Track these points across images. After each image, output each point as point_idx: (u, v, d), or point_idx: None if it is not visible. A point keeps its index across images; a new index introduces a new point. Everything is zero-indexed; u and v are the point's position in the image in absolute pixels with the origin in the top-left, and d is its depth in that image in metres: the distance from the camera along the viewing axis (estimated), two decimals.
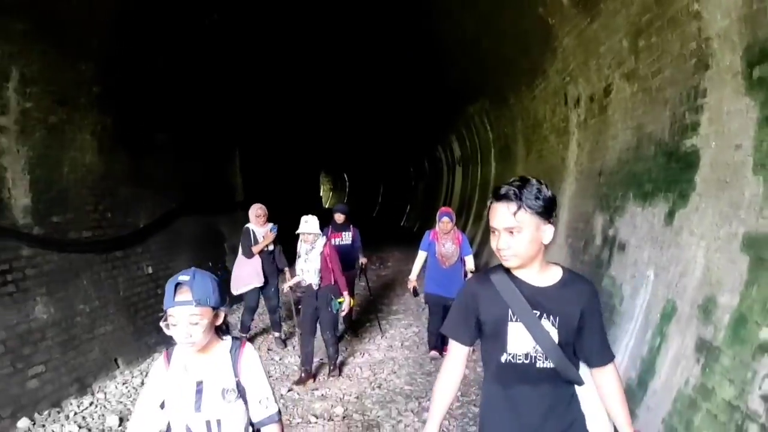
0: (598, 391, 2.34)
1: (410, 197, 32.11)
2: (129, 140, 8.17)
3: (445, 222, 7.23)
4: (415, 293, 7.71)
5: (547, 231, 2.17)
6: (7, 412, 5.27)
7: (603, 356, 2.32)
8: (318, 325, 6.83)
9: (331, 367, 6.97)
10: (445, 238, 7.26)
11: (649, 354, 4.12)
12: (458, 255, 7.26)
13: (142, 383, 6.54)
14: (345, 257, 7.68)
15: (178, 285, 2.22)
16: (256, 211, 8.10)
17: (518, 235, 2.12)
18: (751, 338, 3.02)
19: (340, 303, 6.75)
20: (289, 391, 6.44)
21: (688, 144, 4.18)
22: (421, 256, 7.55)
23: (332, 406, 5.99)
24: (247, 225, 8.13)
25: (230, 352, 2.38)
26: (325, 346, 6.99)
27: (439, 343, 7.51)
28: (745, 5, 3.42)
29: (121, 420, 5.55)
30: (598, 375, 2.34)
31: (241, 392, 2.35)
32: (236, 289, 8.02)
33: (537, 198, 2.11)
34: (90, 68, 7.19)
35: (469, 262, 7.44)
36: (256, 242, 7.95)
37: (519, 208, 2.08)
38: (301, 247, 6.79)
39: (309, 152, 24.87)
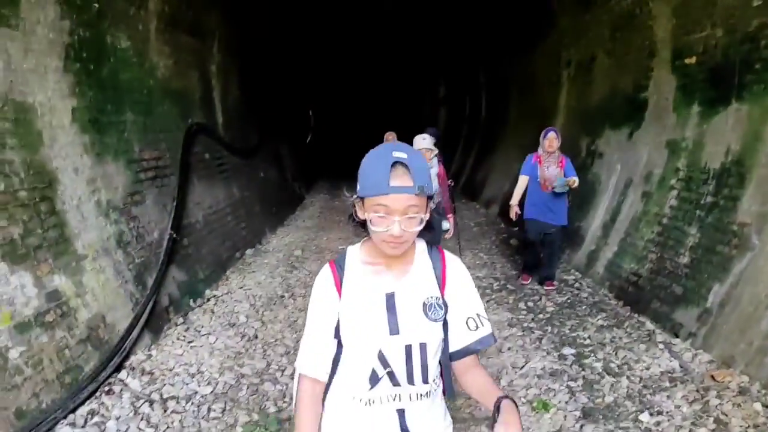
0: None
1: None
2: (249, 85, 11.53)
3: (551, 138, 6.90)
4: (518, 219, 7.29)
5: None
6: (238, 246, 8.84)
7: None
8: None
9: None
10: (549, 161, 6.88)
11: (616, 205, 7.94)
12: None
13: (287, 244, 10.09)
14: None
15: (395, 164, 1.61)
16: (386, 135, 9.74)
17: None
18: (666, 185, 6.83)
19: (445, 225, 6.61)
20: None
21: (641, 96, 7.89)
22: (523, 180, 7.12)
23: None
24: None
25: (429, 254, 1.86)
26: None
27: (532, 271, 7.60)
28: (673, 28, 7.08)
29: (301, 251, 9.21)
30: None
31: (444, 310, 1.78)
32: None
33: None
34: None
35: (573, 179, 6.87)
36: None
37: None
38: None
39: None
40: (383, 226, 1.64)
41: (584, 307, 6.48)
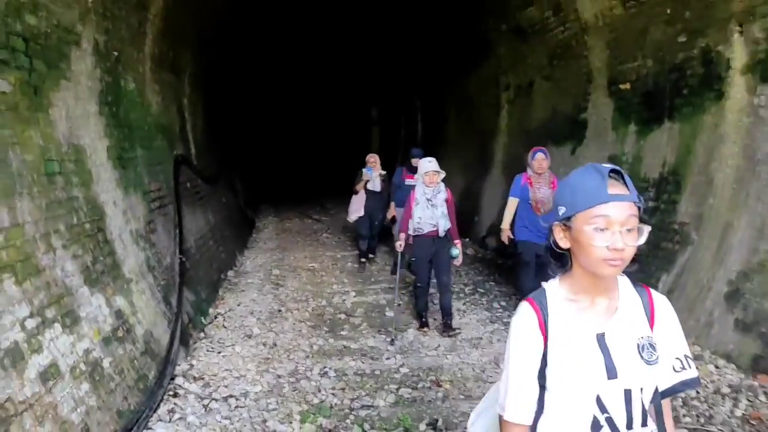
0: None
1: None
2: (210, 113, 12.08)
3: (539, 159, 6.67)
4: (511, 243, 7.01)
5: None
6: (222, 268, 9.37)
7: None
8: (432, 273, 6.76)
9: (449, 321, 6.61)
10: (539, 182, 6.68)
11: None
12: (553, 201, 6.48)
13: (260, 264, 10.63)
14: None
15: (611, 173, 1.59)
16: (367, 157, 10.10)
17: None
18: None
19: (455, 251, 6.54)
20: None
21: (581, 116, 9.00)
22: (512, 203, 6.87)
23: None
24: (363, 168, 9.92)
25: (635, 290, 1.76)
26: (441, 294, 6.68)
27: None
28: (608, 58, 8.21)
29: (278, 270, 9.81)
30: None
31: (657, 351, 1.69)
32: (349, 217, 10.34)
33: None
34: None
35: None
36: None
37: None
38: (421, 191, 6.44)
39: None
40: (603, 241, 1.56)
41: None
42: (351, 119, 28.72)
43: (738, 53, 5.87)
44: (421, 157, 8.68)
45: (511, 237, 6.94)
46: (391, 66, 19.64)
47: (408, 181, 8.99)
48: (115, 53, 5.99)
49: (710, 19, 6.19)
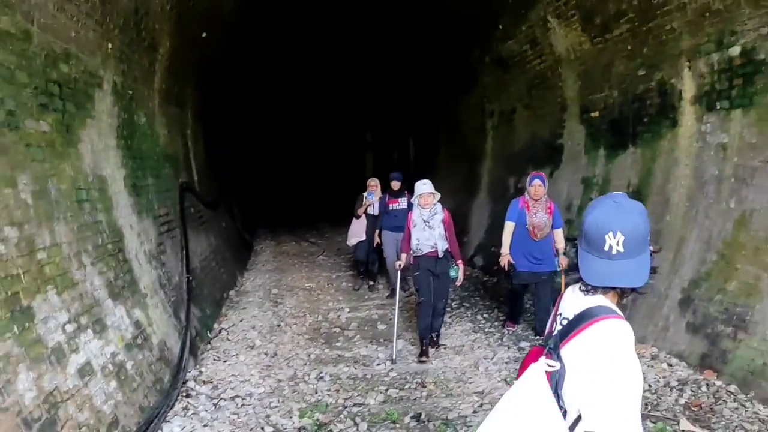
0: None
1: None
2: (209, 141, 12.77)
3: (536, 186, 6.72)
4: (511, 269, 6.98)
5: None
6: (224, 288, 9.98)
7: None
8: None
9: (435, 338, 6.93)
10: (536, 207, 6.76)
11: None
12: (550, 226, 6.81)
13: (260, 284, 11.22)
14: (402, 221, 7.65)
15: None
16: (368, 182, 10.04)
17: None
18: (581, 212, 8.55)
19: (456, 271, 6.63)
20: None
21: (558, 142, 9.69)
22: (509, 227, 6.91)
23: None
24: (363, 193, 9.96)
25: None
26: (434, 317, 6.71)
27: (518, 318, 7.61)
28: (579, 88, 8.92)
29: (277, 290, 10.42)
30: None
31: None
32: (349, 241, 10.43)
33: None
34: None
35: (560, 238, 6.94)
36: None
37: None
38: (418, 213, 6.59)
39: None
40: None
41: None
42: (345, 144, 29.52)
43: (688, 85, 6.58)
44: (400, 180, 9.41)
45: (512, 262, 6.91)
46: (384, 92, 20.49)
47: (392, 206, 9.28)
48: (130, 92, 6.66)
49: (664, 54, 6.91)
